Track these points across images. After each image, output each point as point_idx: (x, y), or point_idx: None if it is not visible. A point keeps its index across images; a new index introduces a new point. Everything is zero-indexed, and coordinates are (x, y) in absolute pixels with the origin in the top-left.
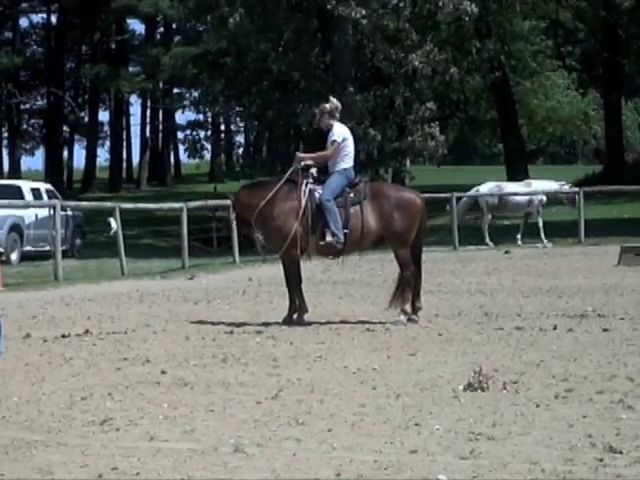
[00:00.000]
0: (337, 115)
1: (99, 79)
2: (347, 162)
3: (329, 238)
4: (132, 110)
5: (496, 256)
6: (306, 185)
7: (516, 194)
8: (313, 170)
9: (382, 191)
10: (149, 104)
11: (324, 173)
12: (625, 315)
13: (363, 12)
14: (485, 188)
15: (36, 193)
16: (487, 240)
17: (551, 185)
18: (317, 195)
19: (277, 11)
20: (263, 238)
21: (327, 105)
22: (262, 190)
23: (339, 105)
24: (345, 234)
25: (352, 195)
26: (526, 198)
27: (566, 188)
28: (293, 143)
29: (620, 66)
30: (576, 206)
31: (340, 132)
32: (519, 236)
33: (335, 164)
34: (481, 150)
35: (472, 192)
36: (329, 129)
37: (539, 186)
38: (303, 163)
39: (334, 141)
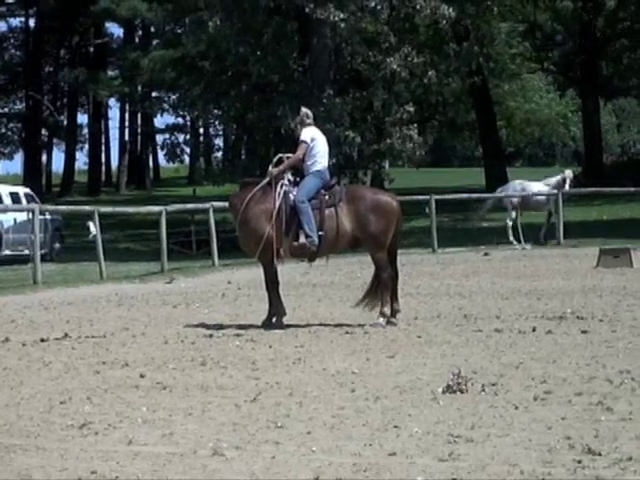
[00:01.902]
0: (307, 120)
1: (78, 83)
2: (320, 163)
3: (302, 239)
4: (111, 114)
5: (475, 258)
6: (281, 187)
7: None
8: (288, 173)
9: (358, 194)
10: (128, 108)
11: (299, 176)
12: (604, 317)
13: (341, 15)
14: (510, 188)
15: (15, 197)
16: (511, 239)
17: (556, 178)
18: (292, 197)
19: (256, 14)
20: (240, 240)
21: (298, 117)
22: (243, 192)
23: (308, 111)
24: (320, 236)
25: (327, 197)
26: (545, 196)
27: (569, 173)
28: (273, 146)
29: (598, 68)
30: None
31: (308, 133)
32: (542, 235)
33: (308, 166)
34: (460, 152)
35: (497, 192)
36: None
37: (552, 183)
38: (276, 171)
39: (302, 141)
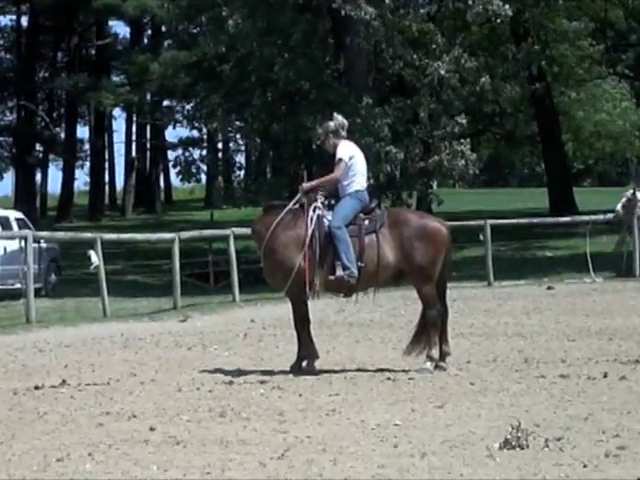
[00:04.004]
0: (343, 133)
1: (77, 90)
2: (358, 183)
3: (340, 272)
4: (115, 126)
5: (537, 293)
6: (314, 211)
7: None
8: (321, 194)
9: (402, 218)
10: (135, 119)
11: (334, 197)
12: None
13: (373, 11)
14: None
15: (4, 222)
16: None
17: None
18: (326, 222)
19: (283, 11)
20: (265, 271)
21: (331, 123)
22: (269, 216)
23: (345, 122)
24: (359, 267)
25: (367, 222)
26: None
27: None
28: (302, 163)
29: None
30: None
31: (346, 149)
32: None
33: (345, 187)
34: (519, 170)
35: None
36: (334, 149)
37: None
38: (308, 186)
39: (340, 160)
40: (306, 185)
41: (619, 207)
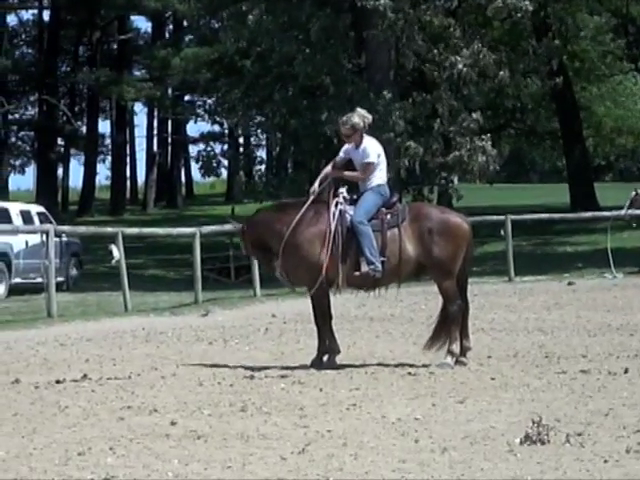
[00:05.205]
0: (367, 129)
1: (99, 85)
2: (380, 177)
3: (364, 268)
4: (137, 120)
5: (558, 288)
6: (336, 206)
7: None
8: (343, 189)
9: (424, 213)
10: (156, 114)
11: (355, 191)
12: None
13: (389, 2)
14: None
15: (26, 216)
16: None
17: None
18: (348, 217)
19: (303, 6)
20: (286, 269)
21: (359, 121)
22: (287, 214)
23: (371, 119)
24: (382, 262)
25: (389, 217)
26: None
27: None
28: (323, 158)
29: None
30: None
31: (374, 150)
32: None
33: (367, 181)
34: (540, 166)
35: None
36: (357, 145)
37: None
38: (336, 172)
39: (370, 163)
40: (334, 172)
41: (624, 212)
